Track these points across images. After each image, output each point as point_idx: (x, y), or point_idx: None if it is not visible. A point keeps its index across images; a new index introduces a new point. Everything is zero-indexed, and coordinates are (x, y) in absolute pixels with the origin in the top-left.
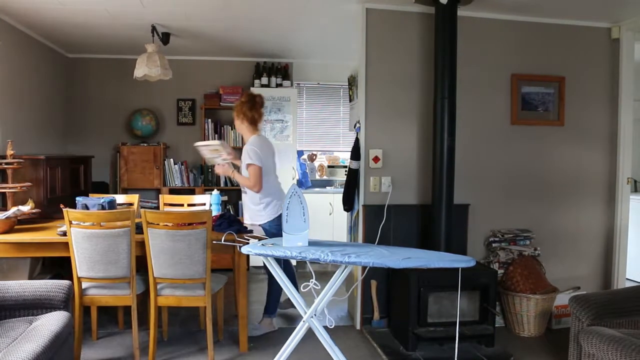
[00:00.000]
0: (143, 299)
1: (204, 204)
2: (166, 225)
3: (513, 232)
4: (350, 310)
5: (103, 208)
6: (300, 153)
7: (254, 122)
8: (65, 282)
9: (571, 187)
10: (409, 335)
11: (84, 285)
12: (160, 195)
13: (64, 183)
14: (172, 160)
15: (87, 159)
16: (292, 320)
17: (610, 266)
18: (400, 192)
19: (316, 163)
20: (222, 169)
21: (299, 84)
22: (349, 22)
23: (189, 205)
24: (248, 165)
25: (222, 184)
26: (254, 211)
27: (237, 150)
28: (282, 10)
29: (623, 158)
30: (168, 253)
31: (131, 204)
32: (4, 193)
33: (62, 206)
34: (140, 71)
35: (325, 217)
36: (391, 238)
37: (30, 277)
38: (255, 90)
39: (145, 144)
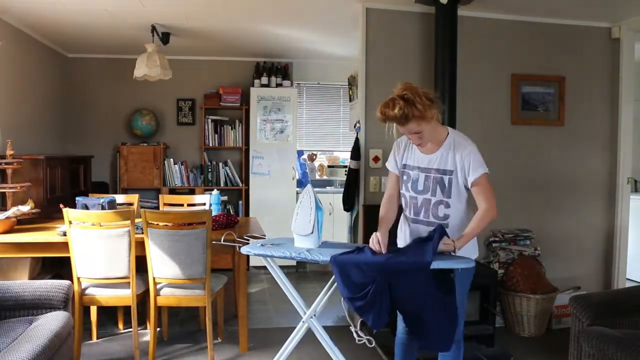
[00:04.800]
0: (143, 298)
1: (204, 204)
2: (166, 225)
3: (513, 232)
4: (350, 310)
5: (103, 208)
6: (300, 153)
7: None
8: (65, 282)
9: (571, 187)
10: None
11: (84, 285)
12: (160, 195)
13: (64, 183)
14: (172, 160)
15: (86, 158)
16: (293, 319)
17: (611, 266)
18: None
19: (316, 163)
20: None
21: (299, 84)
22: (349, 22)
23: (188, 205)
24: (478, 177)
25: (222, 184)
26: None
27: (235, 151)
28: (282, 10)
29: (623, 158)
30: (168, 253)
31: (131, 204)
32: (3, 193)
33: (61, 206)
34: (140, 71)
35: (325, 217)
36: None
37: (30, 277)
38: (255, 90)
39: (145, 144)
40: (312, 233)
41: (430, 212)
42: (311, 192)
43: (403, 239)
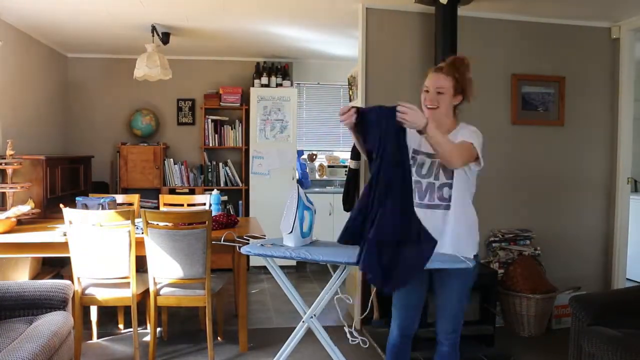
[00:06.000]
0: (143, 298)
1: (204, 204)
2: (166, 225)
3: (513, 231)
4: (350, 310)
5: (103, 208)
6: (300, 153)
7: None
8: (65, 282)
9: (571, 186)
10: None
11: (84, 285)
12: (160, 195)
13: (64, 183)
14: (172, 160)
15: (87, 158)
16: (293, 319)
17: (611, 266)
18: None
19: (316, 163)
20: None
21: (299, 84)
22: (349, 22)
23: (188, 205)
24: (466, 140)
25: (222, 184)
26: (464, 234)
27: (235, 151)
28: (282, 10)
29: (623, 158)
30: (168, 253)
31: (131, 204)
32: (4, 193)
33: (62, 206)
34: (140, 71)
35: (325, 217)
36: None
37: (31, 277)
38: (255, 90)
39: (145, 144)
40: (291, 232)
41: (435, 195)
42: (296, 192)
43: None
